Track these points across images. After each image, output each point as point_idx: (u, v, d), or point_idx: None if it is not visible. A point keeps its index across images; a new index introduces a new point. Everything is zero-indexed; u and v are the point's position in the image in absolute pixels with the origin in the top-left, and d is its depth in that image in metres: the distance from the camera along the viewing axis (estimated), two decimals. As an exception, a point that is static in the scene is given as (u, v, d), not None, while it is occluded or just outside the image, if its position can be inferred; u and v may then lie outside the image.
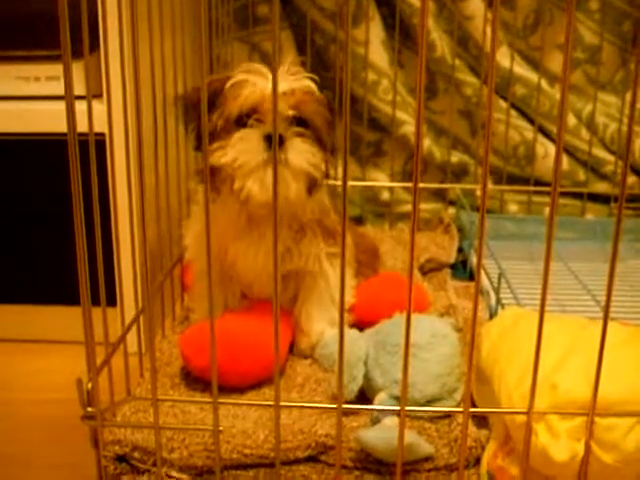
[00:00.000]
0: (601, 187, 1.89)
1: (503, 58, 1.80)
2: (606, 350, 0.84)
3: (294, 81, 1.05)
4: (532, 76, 1.82)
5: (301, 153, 1.03)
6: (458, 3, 1.77)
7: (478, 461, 0.92)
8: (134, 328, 1.04)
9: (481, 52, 1.78)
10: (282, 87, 1.01)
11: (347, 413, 0.99)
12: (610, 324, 0.93)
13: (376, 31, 1.80)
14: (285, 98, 1.02)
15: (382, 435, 0.88)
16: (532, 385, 0.77)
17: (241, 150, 1.02)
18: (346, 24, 0.67)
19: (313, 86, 1.07)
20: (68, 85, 0.74)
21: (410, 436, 0.87)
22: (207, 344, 1.08)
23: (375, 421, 0.94)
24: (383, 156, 1.93)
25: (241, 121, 1.04)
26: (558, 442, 0.78)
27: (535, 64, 1.84)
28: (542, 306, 0.75)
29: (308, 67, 1.77)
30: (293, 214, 1.12)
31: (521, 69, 1.82)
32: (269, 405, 0.91)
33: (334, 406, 0.80)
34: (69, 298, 1.31)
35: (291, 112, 1.04)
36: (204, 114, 0.75)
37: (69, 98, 0.74)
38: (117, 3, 1.11)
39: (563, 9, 1.84)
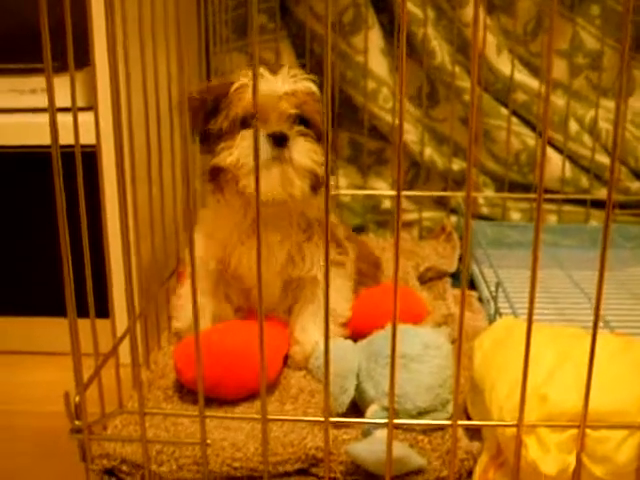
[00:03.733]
0: (605, 193, 1.86)
1: (503, 64, 1.79)
2: (598, 361, 0.83)
3: (295, 82, 1.08)
4: (533, 82, 1.81)
5: (305, 151, 1.06)
6: (457, 10, 1.77)
7: (471, 474, 0.90)
8: (127, 340, 1.03)
9: (481, 59, 1.77)
10: (284, 88, 1.06)
11: (339, 425, 0.98)
12: (603, 334, 0.92)
13: (375, 39, 1.79)
14: (287, 98, 1.06)
15: (372, 448, 0.87)
16: (521, 397, 0.76)
17: (245, 149, 1.04)
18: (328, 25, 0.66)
19: (314, 87, 1.10)
20: (50, 99, 0.74)
21: (401, 449, 0.86)
22: (200, 356, 1.09)
23: (366, 433, 0.93)
24: (384, 164, 1.92)
25: (246, 122, 1.07)
26: (548, 455, 0.76)
27: (535, 70, 1.83)
28: (530, 316, 0.74)
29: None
30: (300, 212, 1.15)
31: (522, 75, 1.81)
32: (255, 419, 0.90)
33: (321, 419, 0.79)
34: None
35: (293, 111, 1.06)
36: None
37: (52, 111, 0.75)
38: (107, 13, 1.11)
39: (563, 15, 1.83)
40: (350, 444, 0.90)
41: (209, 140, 1.11)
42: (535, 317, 1.10)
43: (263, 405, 0.80)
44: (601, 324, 1.29)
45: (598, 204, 1.85)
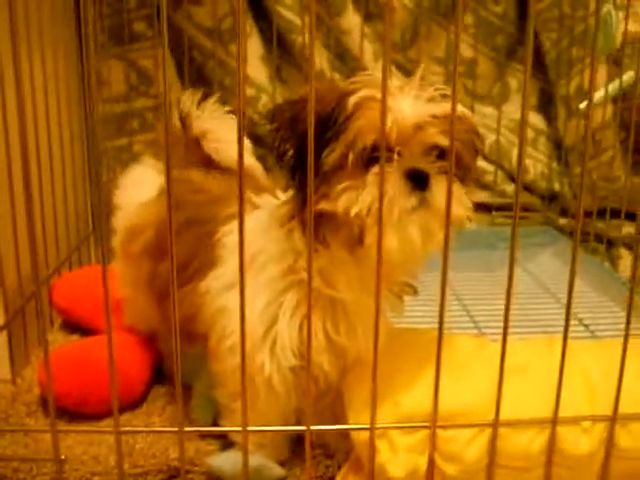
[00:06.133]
0: (482, 196, 1.92)
1: (380, 71, 1.82)
2: (452, 363, 0.85)
3: (440, 102, 0.79)
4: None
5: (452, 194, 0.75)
6: (335, 18, 1.78)
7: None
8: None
9: (359, 65, 1.79)
10: (426, 110, 0.77)
11: (204, 436, 0.97)
12: (460, 337, 0.95)
13: (254, 47, 1.79)
14: (431, 125, 0.78)
15: (231, 459, 0.87)
16: (372, 401, 0.76)
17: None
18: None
19: (467, 111, 0.83)
20: None
21: (258, 459, 0.86)
22: (64, 371, 1.06)
23: (228, 444, 0.92)
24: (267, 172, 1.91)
25: (375, 156, 0.76)
26: (396, 458, 0.78)
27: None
28: (376, 324, 0.74)
29: (187, 84, 1.76)
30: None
31: (399, 82, 1.84)
32: (108, 431, 0.88)
33: (175, 429, 0.78)
34: None
35: (438, 143, 0.78)
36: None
37: None
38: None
39: (440, 24, 1.88)
40: (210, 456, 0.89)
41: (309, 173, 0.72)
42: (408, 319, 1.13)
43: (116, 418, 0.78)
44: (472, 324, 1.35)
45: (477, 207, 1.90)
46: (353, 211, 0.76)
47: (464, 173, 0.82)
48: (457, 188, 0.79)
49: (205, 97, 1.18)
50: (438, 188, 0.76)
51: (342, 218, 0.77)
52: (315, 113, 0.68)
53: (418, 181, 0.76)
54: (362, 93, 0.77)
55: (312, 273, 0.76)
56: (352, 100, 0.77)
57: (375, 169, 0.75)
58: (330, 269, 0.83)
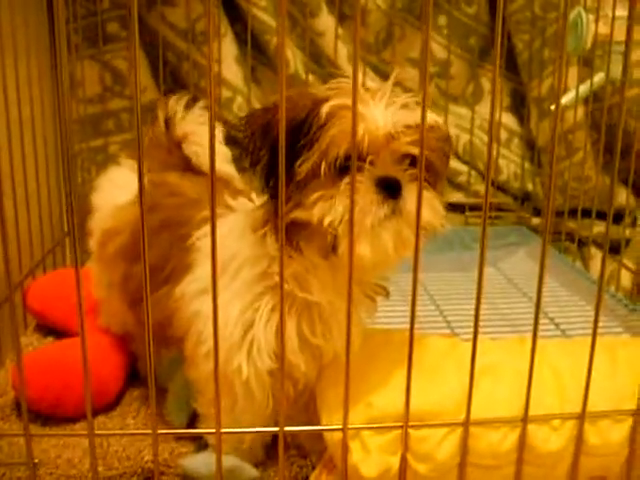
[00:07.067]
0: (456, 197, 1.94)
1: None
2: (424, 363, 0.86)
3: (412, 111, 0.79)
4: (384, 90, 1.85)
5: (424, 201, 0.74)
6: (309, 19, 1.79)
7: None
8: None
9: (334, 67, 1.80)
10: (399, 119, 0.77)
11: (179, 438, 0.97)
12: (432, 338, 0.96)
13: (229, 48, 1.79)
14: (404, 134, 0.78)
15: (206, 460, 0.87)
16: (345, 401, 0.77)
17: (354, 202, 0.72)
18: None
19: (439, 119, 0.83)
20: None
21: (232, 460, 0.86)
22: (37, 374, 1.05)
23: (203, 446, 0.92)
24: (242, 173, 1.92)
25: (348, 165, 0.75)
26: (369, 458, 0.78)
27: (387, 77, 1.88)
28: (348, 327, 0.74)
29: (162, 85, 1.76)
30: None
31: (373, 84, 1.85)
32: (82, 435, 0.88)
33: (149, 432, 0.78)
34: None
35: (411, 151, 0.79)
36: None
37: None
38: None
39: (413, 25, 1.89)
40: (185, 458, 0.90)
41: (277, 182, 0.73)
42: (383, 320, 1.14)
43: (89, 421, 0.78)
44: (445, 325, 1.36)
45: (451, 207, 1.92)
46: (326, 220, 0.76)
47: (435, 179, 0.82)
48: (429, 195, 0.79)
49: (193, 101, 1.19)
50: (410, 196, 0.77)
51: (316, 226, 0.77)
52: (287, 120, 0.68)
53: (390, 189, 0.77)
54: (334, 102, 0.77)
55: (286, 277, 0.80)
56: (324, 109, 0.76)
57: (348, 178, 0.75)
58: (304, 274, 0.83)
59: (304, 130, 0.77)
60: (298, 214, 0.77)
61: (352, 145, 0.69)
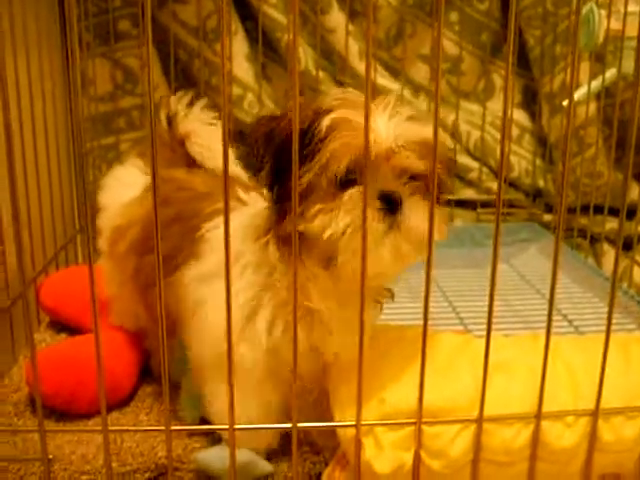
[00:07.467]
0: (467, 193, 1.94)
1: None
2: (437, 360, 0.86)
3: (413, 124, 0.79)
4: (394, 86, 1.85)
5: (423, 215, 0.78)
6: (320, 16, 1.79)
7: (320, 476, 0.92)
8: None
9: (344, 64, 1.80)
10: (405, 134, 0.77)
11: (192, 434, 0.98)
12: (445, 334, 0.96)
13: (240, 46, 1.79)
14: (407, 149, 0.78)
15: (219, 454, 0.87)
16: (358, 397, 0.77)
17: (357, 218, 0.75)
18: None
19: (440, 132, 0.77)
20: None
21: (246, 455, 0.86)
22: (51, 371, 1.06)
23: (216, 441, 0.93)
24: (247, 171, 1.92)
25: (350, 179, 0.78)
26: (382, 454, 0.78)
27: (397, 74, 1.88)
28: (361, 323, 0.75)
29: (173, 83, 1.76)
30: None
31: (384, 80, 1.85)
32: (96, 430, 0.88)
33: (162, 428, 0.78)
34: None
35: (416, 166, 0.79)
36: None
37: None
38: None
39: (424, 21, 1.89)
40: (199, 452, 0.90)
41: (283, 191, 0.79)
42: (396, 316, 1.14)
43: (103, 417, 0.79)
44: (458, 321, 1.36)
45: (462, 204, 1.92)
46: (327, 234, 0.76)
47: (438, 193, 0.80)
48: (425, 206, 0.78)
49: (195, 99, 1.19)
50: (411, 210, 0.77)
51: (316, 238, 0.78)
52: (289, 131, 0.69)
53: (390, 204, 0.77)
54: (336, 114, 0.77)
55: (287, 285, 0.83)
56: (325, 122, 0.76)
57: (349, 192, 0.76)
58: (305, 283, 0.83)
59: (305, 141, 0.76)
60: (299, 226, 0.76)
61: (355, 158, 0.73)
